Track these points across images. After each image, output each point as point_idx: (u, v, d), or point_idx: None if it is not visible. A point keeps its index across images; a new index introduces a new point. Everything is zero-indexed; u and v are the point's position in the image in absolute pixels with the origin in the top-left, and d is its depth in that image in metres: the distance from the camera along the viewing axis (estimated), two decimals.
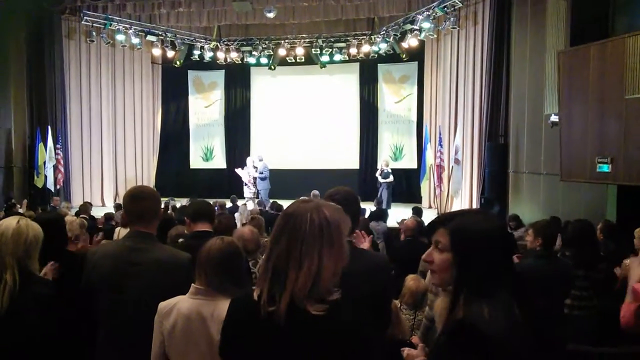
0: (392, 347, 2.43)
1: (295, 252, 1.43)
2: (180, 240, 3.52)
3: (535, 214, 8.71)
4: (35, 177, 11.98)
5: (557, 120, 7.67)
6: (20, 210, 9.48)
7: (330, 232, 1.46)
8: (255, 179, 12.87)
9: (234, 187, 13.08)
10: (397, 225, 8.27)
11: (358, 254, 2.12)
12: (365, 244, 2.51)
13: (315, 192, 10.73)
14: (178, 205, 9.77)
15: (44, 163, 11.99)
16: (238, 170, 13.23)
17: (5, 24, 11.73)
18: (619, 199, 7.08)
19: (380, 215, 8.79)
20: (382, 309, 2.32)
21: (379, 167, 13.06)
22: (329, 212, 1.48)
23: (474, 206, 11.10)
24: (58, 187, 12.57)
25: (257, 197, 12.80)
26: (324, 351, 1.43)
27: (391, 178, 12.54)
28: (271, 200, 11.34)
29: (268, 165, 13.11)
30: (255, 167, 13.15)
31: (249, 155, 14.64)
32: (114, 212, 9.20)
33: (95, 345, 2.45)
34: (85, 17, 12.89)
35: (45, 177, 12.02)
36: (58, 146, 12.43)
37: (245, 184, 12.89)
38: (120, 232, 5.85)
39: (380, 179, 12.62)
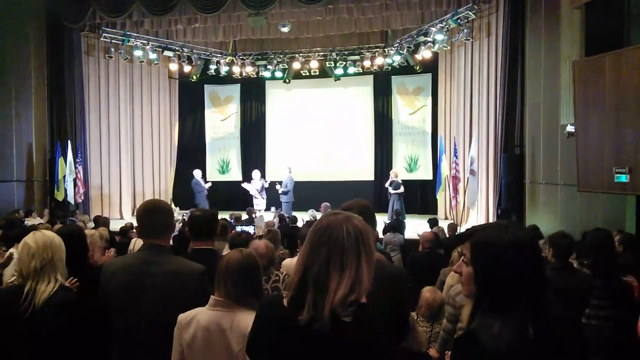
0: (408, 358, 2.44)
1: (335, 262, 1.47)
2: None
3: (552, 224, 8.61)
4: (55, 191, 12.16)
5: (573, 130, 7.60)
6: (41, 220, 9.60)
7: (364, 242, 1.51)
8: (260, 190, 12.96)
9: (250, 200, 13.15)
10: (416, 237, 8.22)
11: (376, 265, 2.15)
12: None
13: (327, 204, 10.73)
14: None
15: (64, 177, 12.17)
16: (245, 184, 13.36)
17: (26, 41, 12.07)
18: (638, 210, 6.99)
19: (397, 226, 8.76)
20: (399, 320, 2.34)
21: (389, 178, 12.97)
22: (359, 223, 1.53)
23: (491, 218, 11.01)
24: (81, 200, 12.74)
25: (272, 209, 12.86)
26: (358, 355, 1.48)
27: (402, 189, 12.37)
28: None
29: (293, 178, 13.08)
30: (264, 180, 13.27)
31: (264, 167, 14.71)
32: (132, 224, 9.31)
33: (112, 356, 2.48)
34: (104, 34, 13.14)
35: (65, 190, 12.19)
36: (77, 160, 12.63)
37: (254, 197, 13.00)
38: (137, 243, 5.95)
39: (390, 190, 12.46)
